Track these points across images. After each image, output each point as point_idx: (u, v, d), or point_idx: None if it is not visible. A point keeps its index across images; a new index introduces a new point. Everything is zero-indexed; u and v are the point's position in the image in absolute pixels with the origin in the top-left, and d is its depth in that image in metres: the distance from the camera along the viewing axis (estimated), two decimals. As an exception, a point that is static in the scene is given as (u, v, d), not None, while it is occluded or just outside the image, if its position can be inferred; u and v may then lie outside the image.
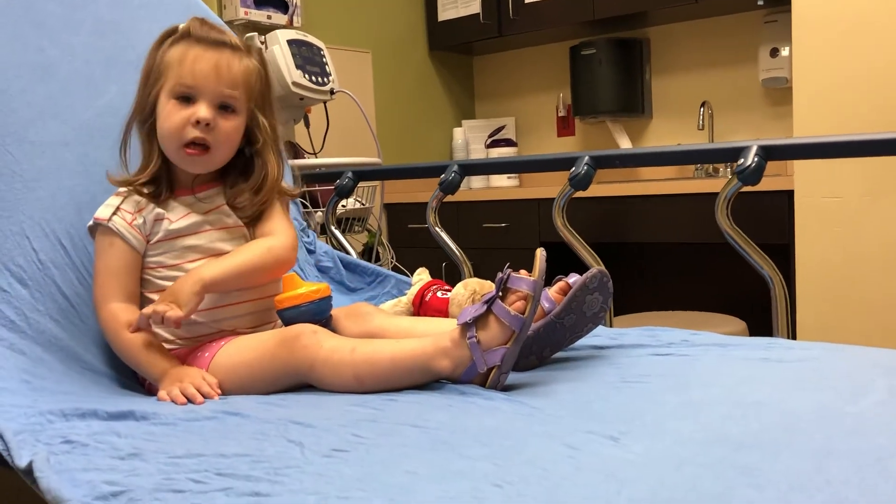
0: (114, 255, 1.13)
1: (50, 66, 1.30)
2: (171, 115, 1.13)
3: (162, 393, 1.04)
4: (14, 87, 1.24)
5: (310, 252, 1.66)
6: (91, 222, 1.16)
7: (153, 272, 1.16)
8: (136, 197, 1.15)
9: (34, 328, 1.13)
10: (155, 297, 1.15)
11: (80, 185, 1.27)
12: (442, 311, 1.33)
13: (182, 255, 1.16)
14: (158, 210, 1.16)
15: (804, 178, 2.24)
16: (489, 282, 1.32)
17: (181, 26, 1.17)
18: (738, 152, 1.31)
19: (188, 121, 1.12)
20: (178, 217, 1.17)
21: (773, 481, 0.67)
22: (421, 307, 1.36)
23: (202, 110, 1.12)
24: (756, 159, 1.27)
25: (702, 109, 3.00)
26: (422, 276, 1.44)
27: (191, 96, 1.13)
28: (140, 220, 1.14)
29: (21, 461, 0.77)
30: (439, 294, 1.35)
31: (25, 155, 1.22)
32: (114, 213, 1.14)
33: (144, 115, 1.17)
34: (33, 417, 0.89)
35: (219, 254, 1.17)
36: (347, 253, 1.85)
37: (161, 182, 1.18)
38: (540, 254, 0.98)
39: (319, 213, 2.09)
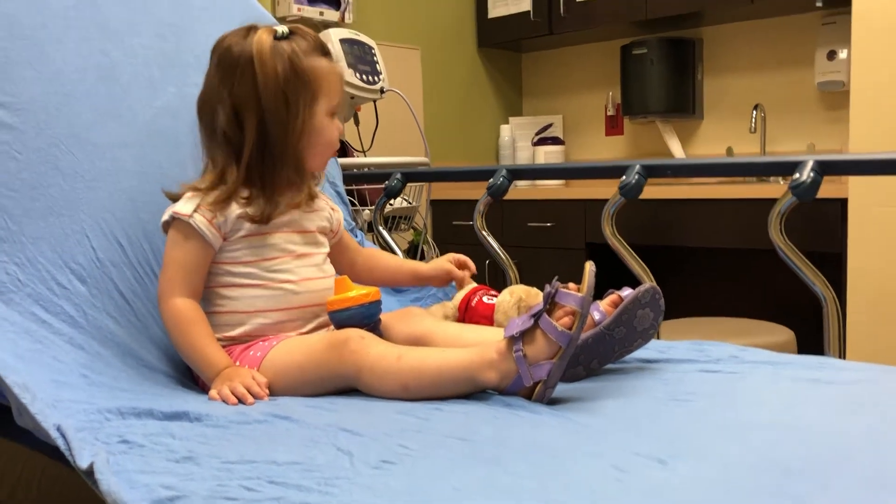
0: (189, 249, 1.15)
1: (113, 68, 1.33)
2: (331, 130, 1.22)
3: (213, 392, 1.07)
4: (79, 89, 1.27)
5: (358, 252, 1.68)
6: (167, 217, 1.16)
7: (226, 267, 1.18)
8: (217, 194, 1.15)
9: (92, 324, 1.16)
10: (222, 291, 1.18)
11: (138, 186, 1.30)
12: (488, 316, 1.33)
13: (259, 253, 1.18)
14: (242, 210, 1.17)
15: (859, 186, 2.20)
16: (534, 289, 1.32)
17: (298, 31, 1.18)
18: (793, 166, 1.29)
19: (338, 134, 1.23)
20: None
21: (823, 514, 0.66)
22: (466, 312, 1.37)
23: (340, 123, 1.24)
24: (812, 174, 1.25)
25: (754, 112, 2.95)
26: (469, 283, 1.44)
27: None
28: (221, 219, 1.16)
29: (82, 462, 0.79)
30: (485, 299, 1.36)
31: (87, 156, 1.26)
32: (195, 210, 1.15)
33: (289, 123, 1.16)
34: (92, 415, 0.92)
35: (295, 255, 1.21)
36: (394, 253, 1.86)
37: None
38: (589, 268, 0.97)
39: (367, 211, 2.11)
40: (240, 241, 1.18)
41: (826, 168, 1.27)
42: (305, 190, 1.25)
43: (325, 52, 1.20)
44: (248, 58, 1.14)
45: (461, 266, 1.39)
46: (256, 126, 1.15)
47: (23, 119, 1.19)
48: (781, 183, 2.62)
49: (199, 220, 1.14)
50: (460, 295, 1.40)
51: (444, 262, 1.38)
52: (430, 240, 2.46)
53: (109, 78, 1.32)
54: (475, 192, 2.87)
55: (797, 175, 1.27)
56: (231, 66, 1.16)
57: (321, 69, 1.18)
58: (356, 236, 1.73)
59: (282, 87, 1.15)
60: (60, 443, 0.84)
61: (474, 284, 1.43)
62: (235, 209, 1.16)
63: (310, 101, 1.17)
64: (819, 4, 2.75)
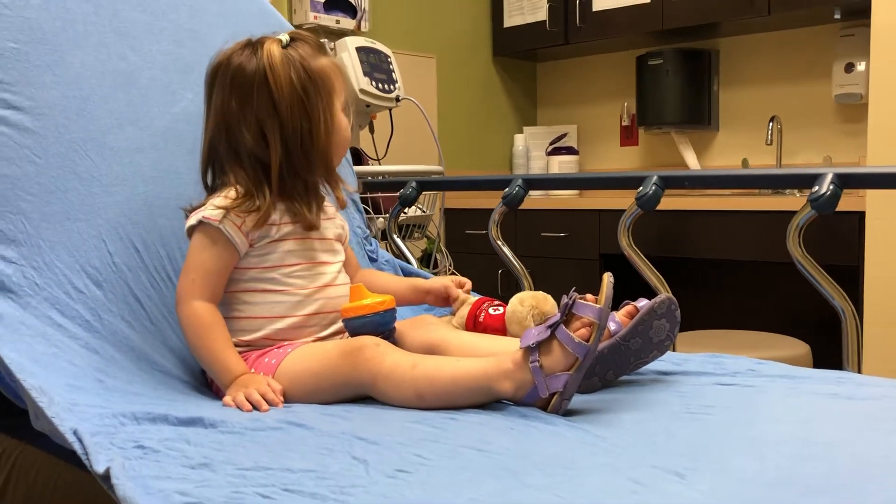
0: (215, 254, 1.14)
1: (131, 73, 1.34)
2: (347, 127, 1.24)
3: (227, 398, 1.07)
4: (97, 94, 1.28)
5: (372, 260, 1.68)
6: (194, 221, 1.15)
7: (248, 273, 1.18)
8: (246, 201, 1.15)
9: (107, 328, 1.16)
10: (241, 296, 1.18)
11: (154, 191, 1.31)
12: (499, 328, 1.31)
13: (280, 259, 1.18)
14: (273, 215, 1.17)
15: (876, 199, 2.18)
16: (542, 293, 1.31)
17: (298, 36, 1.20)
18: (812, 179, 1.28)
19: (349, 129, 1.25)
20: (285, 221, 1.19)
21: (845, 532, 0.65)
22: (475, 328, 1.34)
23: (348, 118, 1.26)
24: (831, 187, 1.24)
25: (771, 124, 2.94)
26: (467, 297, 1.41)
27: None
28: (249, 225, 1.16)
29: (99, 466, 0.79)
30: (491, 311, 1.33)
31: (104, 160, 1.26)
32: (225, 216, 1.14)
33: (313, 129, 1.17)
34: (107, 419, 0.92)
35: (315, 262, 1.21)
36: (407, 261, 1.86)
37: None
38: (607, 280, 0.97)
39: (381, 220, 2.11)
40: (264, 248, 1.18)
41: (846, 181, 1.26)
42: (318, 199, 1.26)
43: (325, 51, 1.22)
44: (263, 75, 1.15)
45: (459, 287, 1.36)
46: (280, 139, 1.16)
47: (42, 123, 1.20)
48: (798, 195, 2.61)
49: (229, 226, 1.14)
50: (464, 311, 1.37)
51: (444, 279, 1.37)
52: (443, 248, 2.46)
53: (128, 83, 1.33)
54: (488, 201, 2.86)
55: (816, 188, 1.26)
56: (248, 85, 1.16)
57: (329, 68, 1.20)
58: (370, 245, 1.73)
59: (299, 96, 1.16)
60: (77, 447, 0.84)
61: (474, 299, 1.40)
62: (263, 213, 1.16)
63: (326, 102, 1.19)
64: (837, 16, 2.74)
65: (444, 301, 1.35)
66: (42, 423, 0.90)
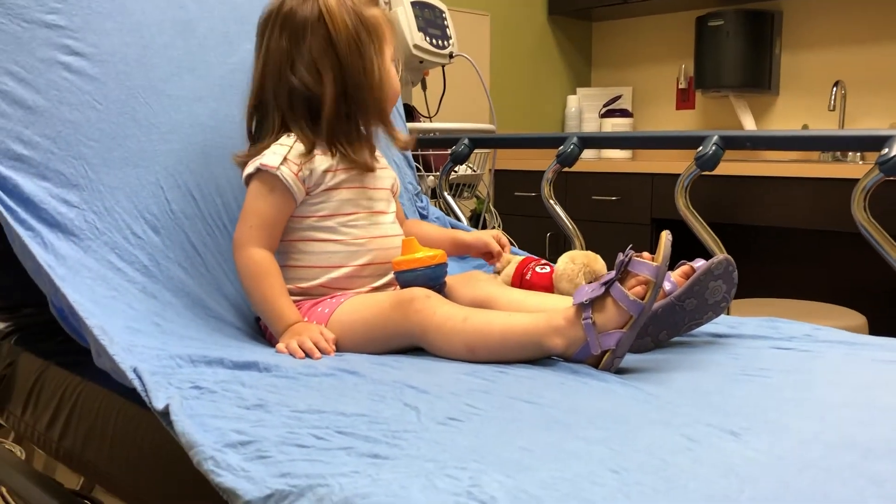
0: (273, 201, 1.15)
1: (189, 22, 1.35)
2: (397, 78, 1.24)
3: (280, 345, 1.08)
4: (157, 42, 1.29)
5: (423, 217, 1.68)
6: (252, 169, 1.16)
7: (305, 221, 1.19)
8: (302, 147, 1.17)
9: (164, 274, 1.18)
10: (298, 245, 1.19)
11: (211, 140, 1.32)
12: (546, 286, 1.29)
13: (337, 208, 1.19)
14: (330, 161, 1.18)
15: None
16: (593, 253, 1.29)
17: None
18: (881, 141, 1.23)
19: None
20: (340, 168, 1.20)
21: (907, 495, 0.64)
22: (521, 286, 1.33)
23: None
24: (903, 149, 1.19)
25: (834, 89, 2.84)
26: (511, 257, 1.40)
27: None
28: (306, 172, 1.16)
29: (158, 403, 0.81)
30: (538, 269, 1.32)
31: (163, 108, 1.27)
32: (282, 163, 1.15)
33: (366, 73, 1.18)
34: (164, 360, 0.94)
35: (371, 211, 1.22)
36: (458, 219, 1.86)
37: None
38: (665, 237, 0.95)
39: (431, 178, 2.11)
40: (320, 196, 1.19)
41: (917, 143, 1.21)
42: (370, 146, 1.26)
43: (377, 2, 1.23)
44: (317, 15, 1.16)
45: (500, 244, 1.36)
46: (334, 81, 1.16)
47: (104, 70, 1.21)
48: (860, 163, 2.52)
49: (287, 173, 1.15)
50: (510, 270, 1.36)
51: (485, 234, 1.36)
52: (492, 209, 2.44)
53: (186, 32, 1.34)
54: (538, 162, 2.83)
55: (886, 150, 1.21)
56: (301, 28, 1.17)
57: (381, 18, 1.21)
58: (420, 201, 1.73)
59: (354, 39, 1.16)
60: (137, 384, 0.86)
61: (521, 257, 1.39)
62: (321, 163, 1.17)
63: (378, 49, 1.19)
64: (911, -24, 2.63)
65: (485, 256, 1.34)
66: (104, 361, 0.93)
